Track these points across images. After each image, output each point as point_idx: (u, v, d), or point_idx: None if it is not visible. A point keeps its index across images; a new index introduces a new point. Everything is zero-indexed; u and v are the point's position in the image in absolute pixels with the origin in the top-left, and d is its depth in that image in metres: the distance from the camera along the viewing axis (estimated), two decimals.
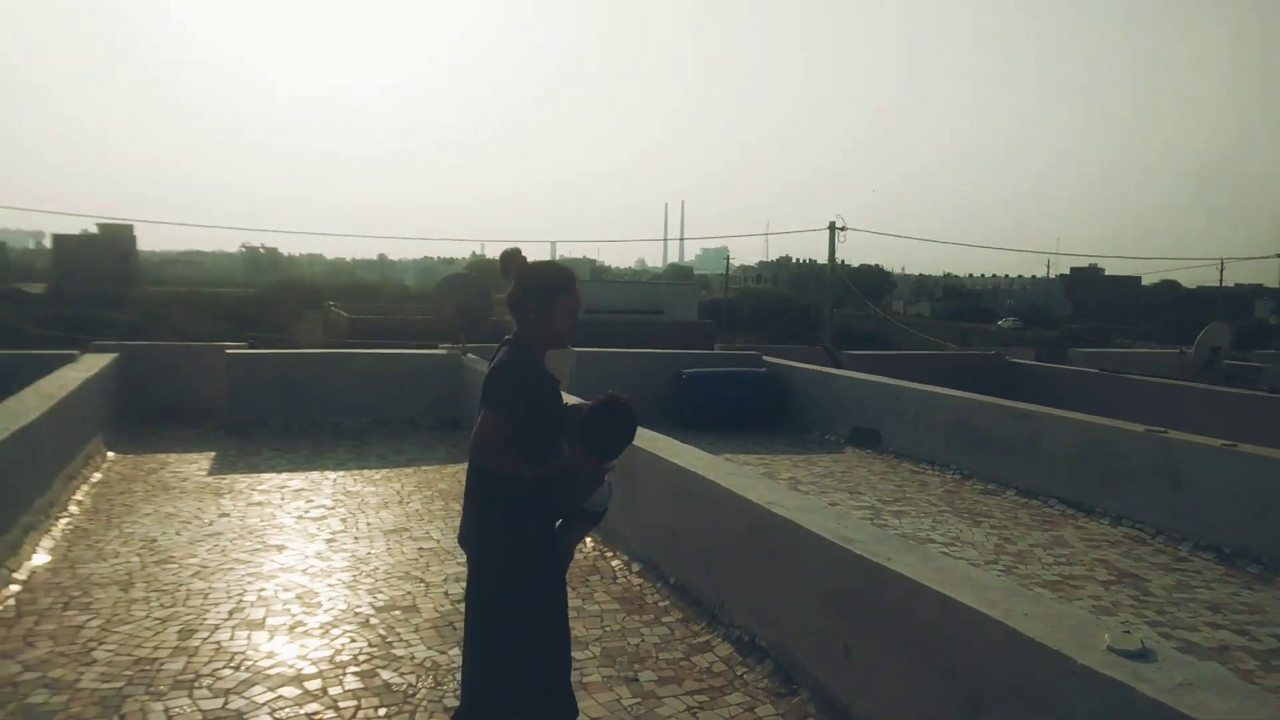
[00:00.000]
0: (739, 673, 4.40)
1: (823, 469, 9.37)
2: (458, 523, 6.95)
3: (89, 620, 4.80)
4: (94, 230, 76.31)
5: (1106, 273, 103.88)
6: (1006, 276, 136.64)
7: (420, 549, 6.25)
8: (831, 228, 28.31)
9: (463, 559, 5.99)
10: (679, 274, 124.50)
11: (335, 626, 4.83)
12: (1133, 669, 2.69)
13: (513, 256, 3.31)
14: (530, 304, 3.17)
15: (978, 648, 3.21)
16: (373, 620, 4.94)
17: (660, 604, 5.29)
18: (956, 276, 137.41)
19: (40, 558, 5.75)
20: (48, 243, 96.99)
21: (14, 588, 5.20)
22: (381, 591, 5.39)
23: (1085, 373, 13.49)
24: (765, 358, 12.65)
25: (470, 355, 11.36)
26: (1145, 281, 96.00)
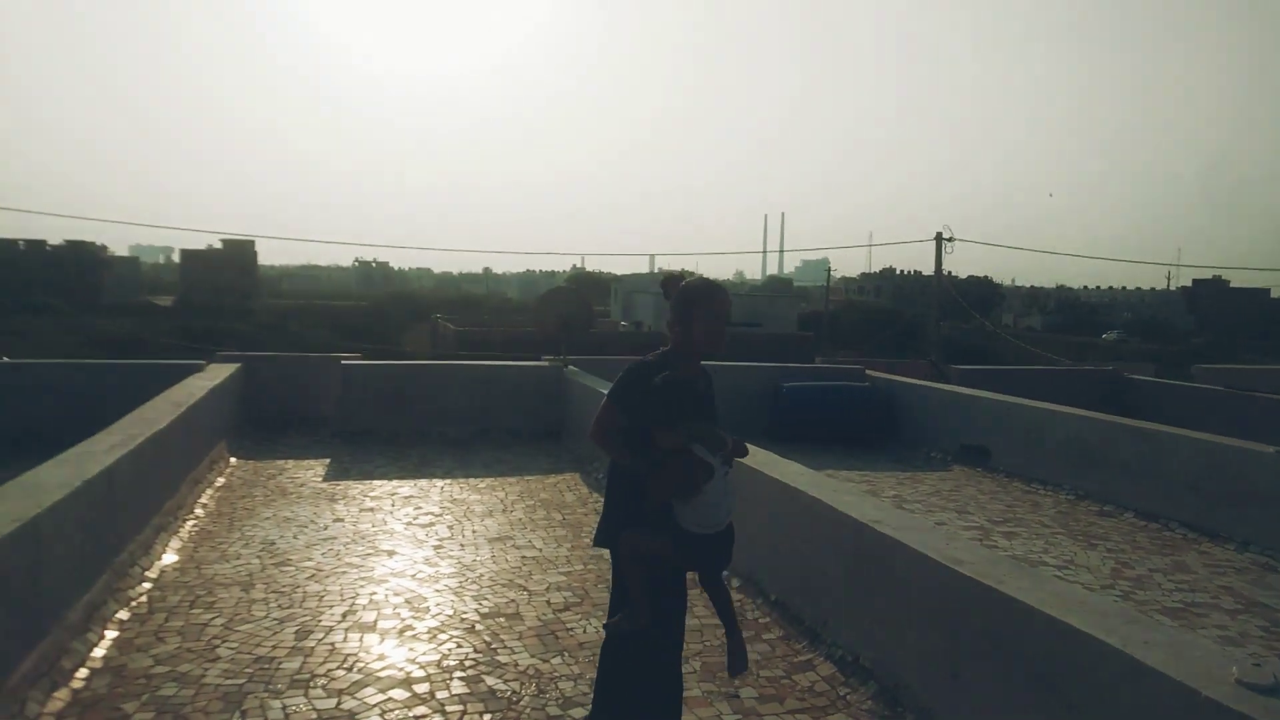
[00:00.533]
0: (842, 693, 4.34)
1: (929, 487, 9.15)
2: (558, 533, 7.04)
3: (213, 619, 5.05)
4: (218, 245, 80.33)
5: (1232, 285, 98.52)
6: (1124, 288, 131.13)
7: (523, 557, 6.36)
8: (938, 239, 27.63)
9: (564, 568, 6.11)
10: (778, 286, 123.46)
11: (442, 632, 4.96)
12: (1264, 705, 2.55)
13: (670, 279, 3.55)
14: (672, 316, 3.41)
15: (1095, 676, 3.09)
16: (478, 626, 5.05)
17: (760, 620, 5.26)
18: (1070, 288, 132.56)
19: (169, 557, 6.07)
20: (176, 257, 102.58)
21: (146, 585, 5.51)
22: (486, 598, 5.51)
23: (1210, 390, 12.83)
24: (869, 372, 12.44)
25: (571, 367, 11.52)
26: (1275, 294, 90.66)
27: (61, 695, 4.04)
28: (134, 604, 5.19)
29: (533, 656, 4.69)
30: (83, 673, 4.28)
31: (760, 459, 6.09)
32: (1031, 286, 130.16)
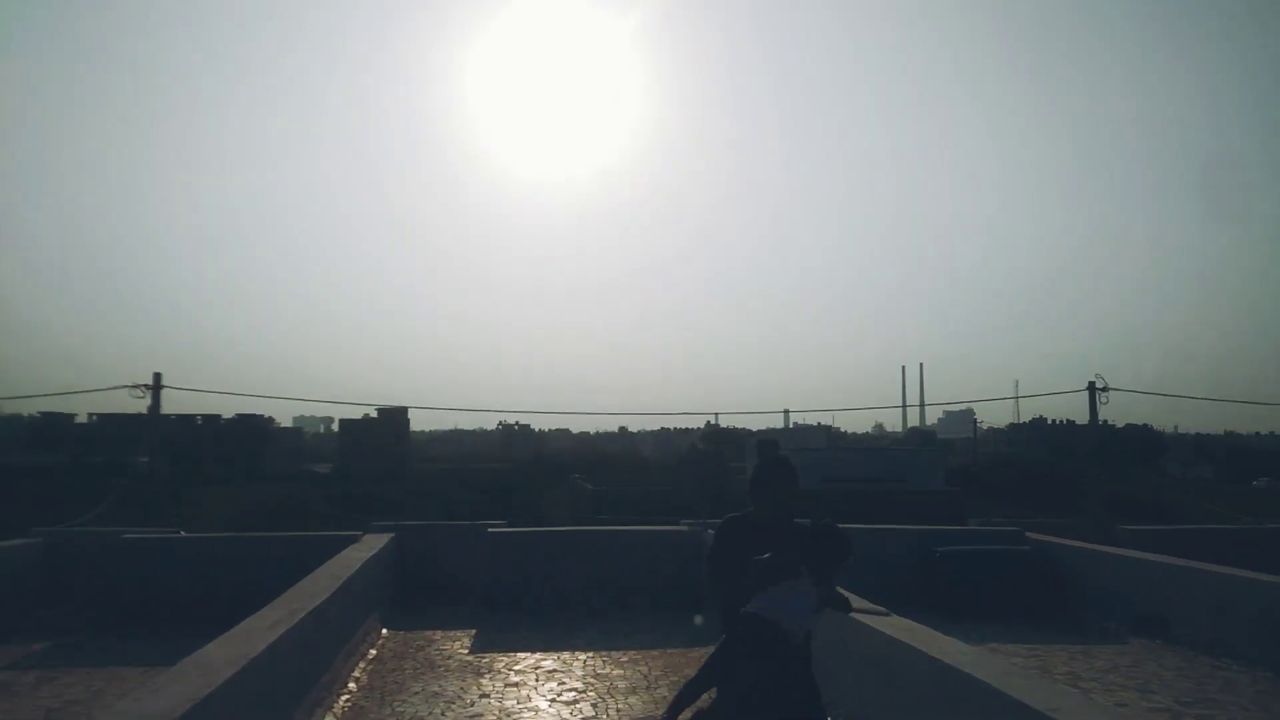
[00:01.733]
0: None
1: (1106, 663, 8.43)
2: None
3: None
4: (373, 414, 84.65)
5: None
6: None
7: None
8: (1091, 388, 26.41)
9: None
10: (920, 438, 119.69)
11: None
12: None
13: (763, 444, 5.10)
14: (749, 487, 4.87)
15: None
16: None
17: None
18: (1239, 435, 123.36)
19: None
20: (335, 426, 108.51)
21: None
22: None
23: None
24: (1029, 535, 11.78)
25: (710, 531, 11.37)
26: None
27: None
28: None
29: None
30: None
31: (918, 636, 5.79)
32: (1197, 434, 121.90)
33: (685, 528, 11.91)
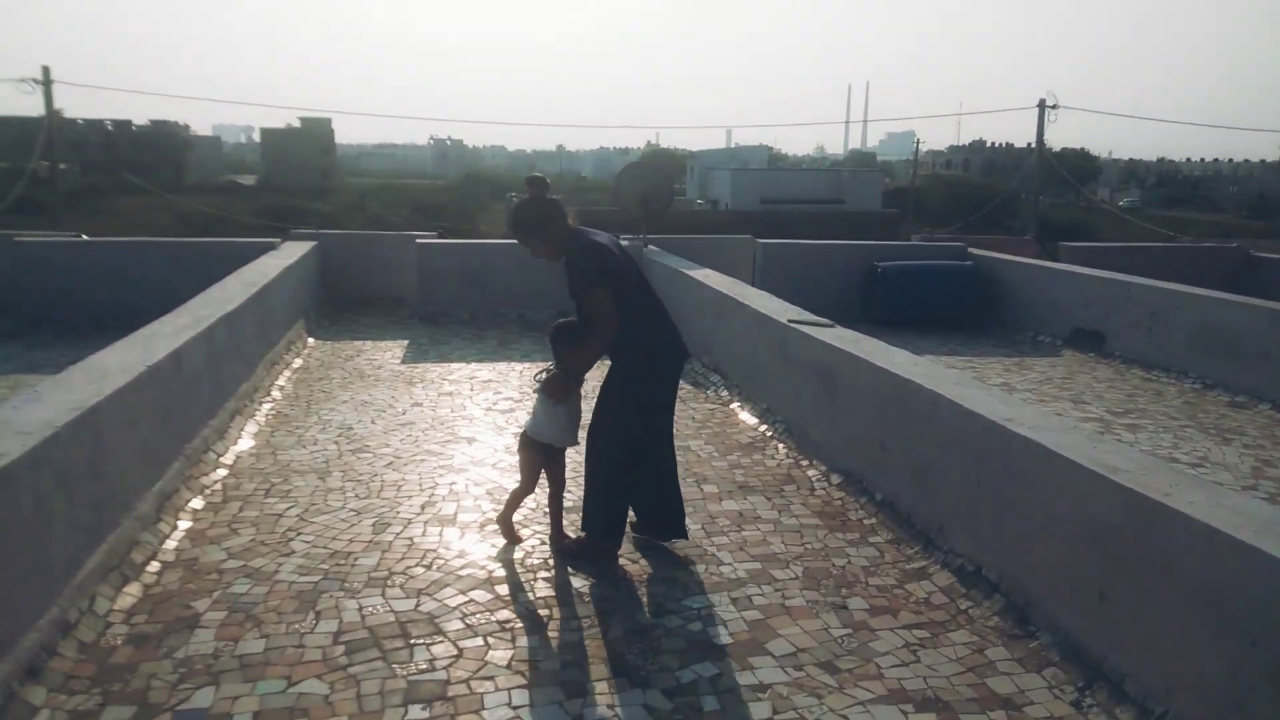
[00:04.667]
0: (963, 606, 3.93)
1: (1039, 374, 8.52)
2: None
3: (288, 509, 4.84)
4: (297, 124, 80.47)
5: None
6: (1230, 161, 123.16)
7: None
8: (1042, 105, 25.87)
9: None
10: (861, 160, 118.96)
11: (524, 527, 4.66)
12: None
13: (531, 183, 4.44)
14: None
15: None
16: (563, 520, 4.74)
17: (866, 521, 4.84)
18: (1172, 161, 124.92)
19: (245, 443, 5.89)
20: (256, 136, 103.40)
21: (221, 472, 5.33)
22: (570, 490, 5.18)
23: None
24: (971, 250, 11.63)
25: (651, 247, 10.99)
26: None
27: (132, 590, 3.86)
28: (208, 492, 5.02)
29: (622, 556, 4.37)
30: (154, 566, 4.10)
31: (864, 347, 5.56)
32: (1130, 159, 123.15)
33: (625, 243, 11.46)
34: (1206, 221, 61.05)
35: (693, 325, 8.73)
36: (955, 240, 12.26)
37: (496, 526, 4.60)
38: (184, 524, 4.57)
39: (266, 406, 6.72)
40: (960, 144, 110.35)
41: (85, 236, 11.48)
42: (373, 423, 6.46)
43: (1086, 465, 3.47)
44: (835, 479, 5.38)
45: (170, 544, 4.34)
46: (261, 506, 4.87)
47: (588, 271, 4.15)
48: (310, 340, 9.10)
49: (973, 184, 69.69)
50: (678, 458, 5.86)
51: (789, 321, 6.42)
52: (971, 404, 4.27)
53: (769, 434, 6.31)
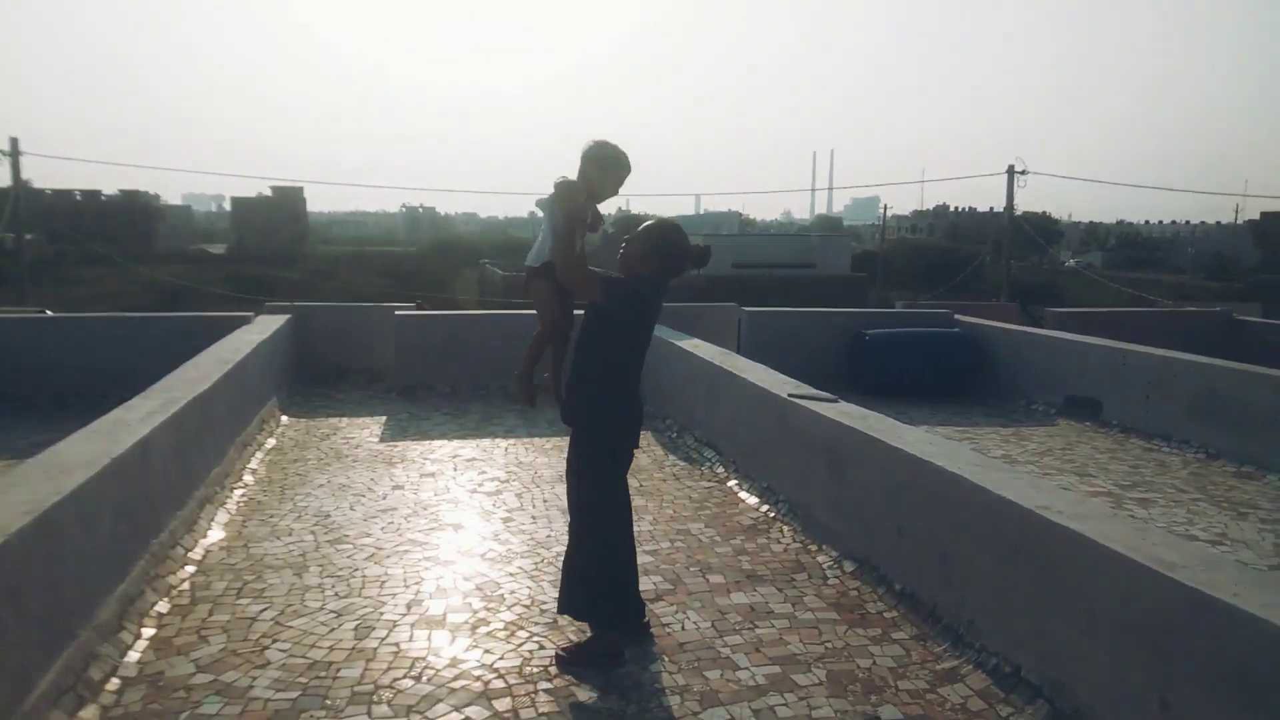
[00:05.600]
0: (1004, 713, 3.61)
1: (1038, 445, 8.31)
2: (636, 502, 6.37)
3: (262, 611, 4.46)
4: (268, 193, 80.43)
5: None
6: (1187, 223, 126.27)
7: None
8: (1011, 171, 26.26)
9: (648, 546, 5.42)
10: (828, 225, 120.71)
11: (521, 628, 4.31)
12: None
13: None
14: None
15: None
16: (560, 620, 4.40)
17: (887, 615, 4.53)
18: (1131, 223, 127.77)
19: (215, 534, 5.51)
20: (227, 205, 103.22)
21: (189, 569, 4.94)
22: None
23: None
24: (958, 317, 11.52)
25: None
26: None
27: (89, 714, 3.46)
28: (175, 592, 4.62)
29: (630, 662, 4.02)
30: (114, 684, 3.70)
31: (873, 424, 5.32)
32: (1090, 222, 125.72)
33: None
34: (1169, 283, 62.17)
35: (682, 397, 8.48)
36: (941, 307, 12.14)
37: (490, 628, 4.25)
38: (148, 631, 4.17)
39: (238, 493, 6.33)
40: (924, 208, 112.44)
41: (49, 312, 11.09)
42: (351, 509, 6.09)
43: (1138, 559, 3.21)
44: (848, 566, 5.08)
45: (133, 656, 3.94)
46: (233, 609, 4.48)
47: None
48: (284, 418, 8.73)
49: (939, 248, 70.67)
50: (678, 542, 5.58)
51: (789, 396, 6.17)
52: (1001, 489, 4.01)
53: (772, 515, 6.01)
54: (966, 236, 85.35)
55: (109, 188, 76.32)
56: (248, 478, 6.70)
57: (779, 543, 5.56)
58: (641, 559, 5.21)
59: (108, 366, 9.19)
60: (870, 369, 10.65)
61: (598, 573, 4.01)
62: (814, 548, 5.42)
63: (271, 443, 7.79)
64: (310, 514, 5.97)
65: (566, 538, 5.40)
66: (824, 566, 5.17)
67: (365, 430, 8.41)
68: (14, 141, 17.66)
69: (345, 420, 8.80)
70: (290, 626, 4.29)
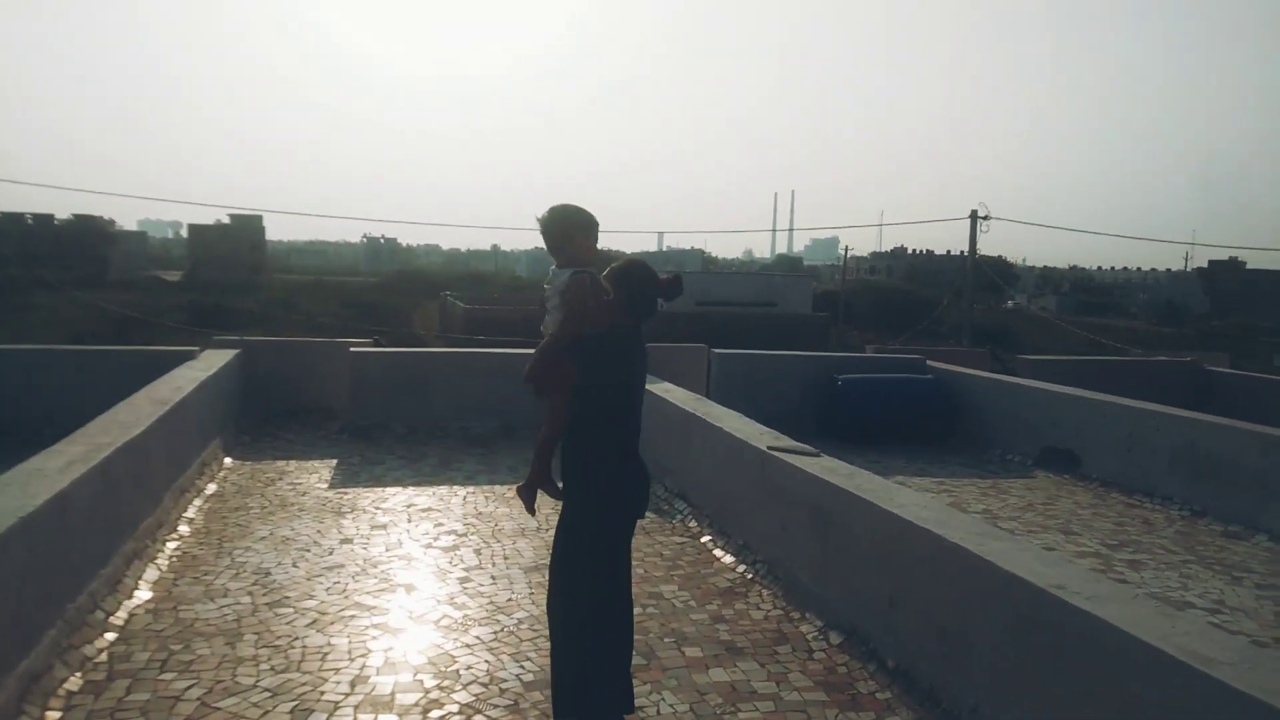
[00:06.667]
0: None
1: (1018, 499, 8.03)
2: None
3: (188, 688, 3.97)
4: (226, 220, 79.22)
5: (1249, 266, 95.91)
6: (1139, 269, 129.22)
7: None
8: (974, 216, 26.41)
9: None
10: (789, 265, 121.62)
11: (478, 711, 3.88)
12: None
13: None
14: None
15: None
16: (523, 703, 3.98)
17: (879, 696, 4.16)
18: (1084, 269, 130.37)
19: (142, 594, 5.01)
20: (184, 232, 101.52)
21: (109, 636, 4.44)
22: (529, 658, 4.43)
23: None
24: (930, 363, 11.30)
25: None
26: None
27: None
28: (90, 665, 4.13)
29: None
30: None
31: (863, 484, 4.98)
32: (1045, 267, 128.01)
33: None
34: (1121, 328, 63.20)
35: (652, 444, 8.09)
36: (912, 353, 11.93)
37: (444, 712, 3.82)
38: (53, 716, 3.68)
39: (171, 545, 5.83)
40: (882, 249, 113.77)
41: None
42: (294, 565, 5.62)
43: (1173, 654, 2.88)
44: (835, 637, 4.71)
45: None
46: (154, 686, 4.00)
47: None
48: (228, 460, 8.21)
49: (898, 289, 71.35)
50: (650, 607, 5.17)
51: (769, 449, 5.83)
52: (1006, 563, 3.68)
53: (750, 576, 5.64)
54: (925, 279, 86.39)
55: (63, 211, 74.66)
56: (183, 528, 6.19)
57: (759, 609, 5.18)
58: None
59: (45, 403, 8.62)
60: (843, 415, 10.36)
61: (569, 658, 3.60)
62: (796, 615, 5.05)
63: (212, 488, 7.27)
64: (249, 571, 5.48)
65: (533, 605, 4.98)
66: (808, 637, 4.79)
67: (314, 475, 7.92)
68: None
69: (294, 463, 8.30)
70: (218, 708, 3.82)
